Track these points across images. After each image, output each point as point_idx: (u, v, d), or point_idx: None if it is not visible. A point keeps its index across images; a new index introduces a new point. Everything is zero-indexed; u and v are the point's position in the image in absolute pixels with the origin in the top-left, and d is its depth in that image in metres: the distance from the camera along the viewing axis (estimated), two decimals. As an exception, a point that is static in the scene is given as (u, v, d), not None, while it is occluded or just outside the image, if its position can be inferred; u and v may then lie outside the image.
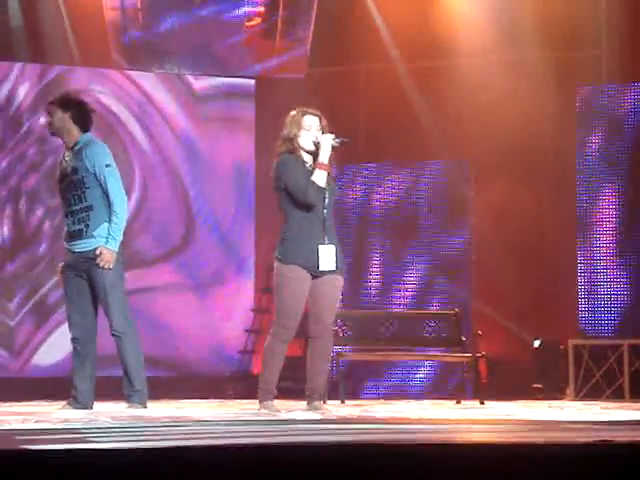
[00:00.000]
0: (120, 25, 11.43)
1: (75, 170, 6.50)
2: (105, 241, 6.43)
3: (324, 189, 6.28)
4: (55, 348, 11.08)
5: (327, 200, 6.31)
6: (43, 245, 11.35)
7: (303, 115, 6.38)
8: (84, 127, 6.62)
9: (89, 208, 6.47)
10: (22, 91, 11.39)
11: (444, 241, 11.32)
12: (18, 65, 11.40)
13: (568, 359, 9.83)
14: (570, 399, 9.61)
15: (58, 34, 11.46)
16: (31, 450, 3.35)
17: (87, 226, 6.46)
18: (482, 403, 8.71)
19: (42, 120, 6.83)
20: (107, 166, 6.48)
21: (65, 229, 6.61)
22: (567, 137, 10.81)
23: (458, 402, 8.93)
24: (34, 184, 11.36)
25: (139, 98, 11.85)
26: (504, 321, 11.13)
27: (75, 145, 6.56)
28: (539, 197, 11.23)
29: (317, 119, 6.39)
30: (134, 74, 11.79)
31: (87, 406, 6.49)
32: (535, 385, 10.34)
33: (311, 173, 6.28)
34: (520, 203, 11.16)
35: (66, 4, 11.40)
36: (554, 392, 10.02)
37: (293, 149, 6.35)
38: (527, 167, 11.21)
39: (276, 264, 6.35)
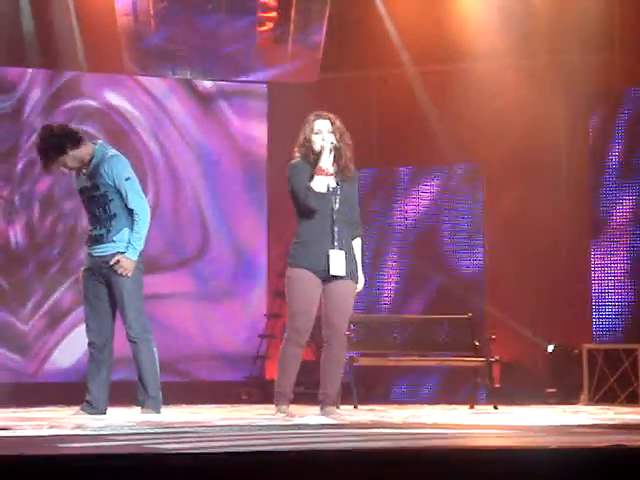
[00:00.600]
0: (132, 31, 11.45)
1: (96, 187, 6.50)
2: (124, 247, 6.45)
3: (331, 193, 6.25)
4: (67, 353, 11.13)
5: (337, 205, 6.29)
6: (56, 248, 11.38)
7: (315, 119, 6.36)
8: (82, 142, 6.53)
9: (113, 216, 6.50)
10: (34, 96, 11.43)
11: (457, 245, 11.30)
12: (30, 71, 11.44)
13: (582, 364, 9.80)
14: (584, 404, 9.57)
15: (70, 40, 11.49)
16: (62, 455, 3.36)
17: (108, 231, 6.49)
18: (496, 408, 8.68)
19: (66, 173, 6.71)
20: (127, 179, 6.50)
21: (88, 233, 6.64)
22: (580, 141, 10.79)
23: (471, 407, 8.90)
24: (47, 188, 11.39)
25: (150, 104, 11.87)
26: (518, 326, 11.11)
27: (91, 160, 6.54)
28: (553, 201, 11.20)
29: (327, 122, 6.33)
30: (145, 79, 11.81)
31: (101, 411, 6.49)
32: (549, 390, 10.31)
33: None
34: (533, 207, 11.13)
35: (78, 10, 11.42)
36: (568, 397, 9.99)
37: (306, 153, 6.33)
38: (540, 171, 11.18)
39: (287, 268, 6.36)
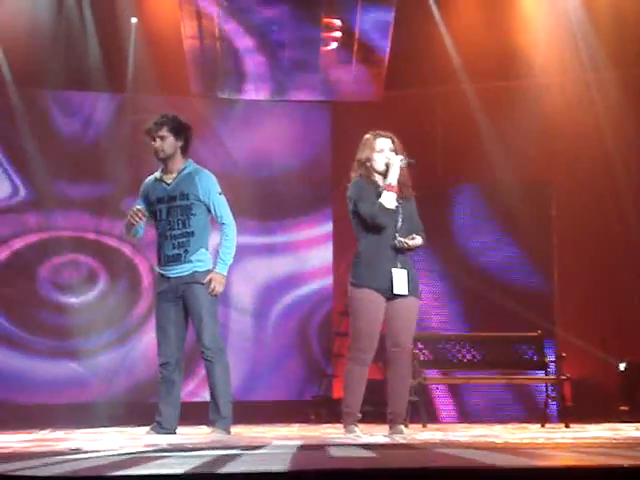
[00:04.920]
0: (199, 53, 11.55)
1: (185, 195, 6.51)
2: (201, 266, 6.48)
3: (395, 211, 6.26)
4: (130, 372, 11.24)
5: (400, 223, 6.29)
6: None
7: (375, 138, 6.40)
8: (186, 153, 6.64)
9: (190, 234, 6.50)
10: (98, 116, 11.63)
11: (525, 264, 11.20)
12: (91, 93, 11.63)
13: (655, 381, 9.66)
14: (657, 421, 9.42)
15: (136, 63, 11.63)
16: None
17: (186, 252, 6.50)
18: (567, 426, 8.57)
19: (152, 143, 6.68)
20: (220, 194, 6.56)
21: (160, 252, 6.58)
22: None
23: (543, 426, 8.80)
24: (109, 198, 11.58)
25: (216, 126, 11.94)
26: (588, 345, 10.98)
27: (182, 170, 6.59)
28: (622, 218, 11.07)
29: (389, 141, 6.38)
30: (210, 101, 11.89)
31: (171, 431, 6.52)
32: (621, 407, 10.16)
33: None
34: (602, 224, 11.01)
35: (145, 34, 11.56)
36: (641, 414, 9.85)
37: (367, 172, 6.36)
38: (611, 188, 11.05)
39: (350, 288, 6.35)
